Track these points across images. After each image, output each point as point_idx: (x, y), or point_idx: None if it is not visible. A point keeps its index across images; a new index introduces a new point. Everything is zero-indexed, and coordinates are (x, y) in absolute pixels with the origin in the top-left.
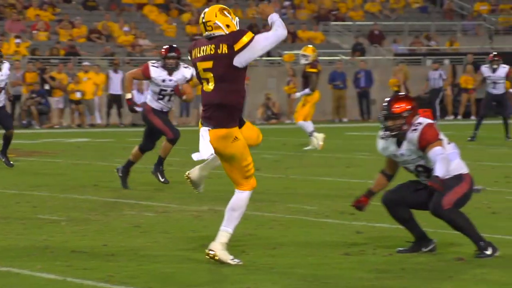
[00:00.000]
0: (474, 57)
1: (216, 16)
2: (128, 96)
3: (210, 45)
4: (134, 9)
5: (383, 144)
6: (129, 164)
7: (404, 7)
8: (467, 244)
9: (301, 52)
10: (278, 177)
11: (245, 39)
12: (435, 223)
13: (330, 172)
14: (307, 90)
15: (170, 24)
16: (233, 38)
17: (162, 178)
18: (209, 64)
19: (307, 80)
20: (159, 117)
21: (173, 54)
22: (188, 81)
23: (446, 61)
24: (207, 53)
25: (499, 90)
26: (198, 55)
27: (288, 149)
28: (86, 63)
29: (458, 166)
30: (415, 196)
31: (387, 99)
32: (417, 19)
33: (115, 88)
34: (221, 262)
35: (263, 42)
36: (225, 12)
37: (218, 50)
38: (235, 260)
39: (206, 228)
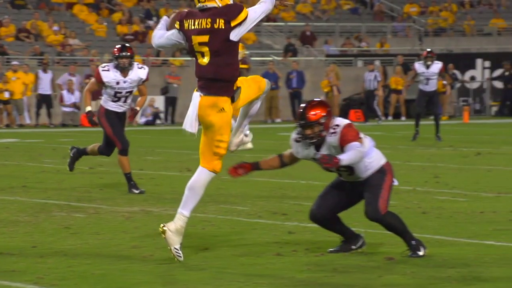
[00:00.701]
0: (404, 58)
1: None
2: (88, 108)
3: (205, 19)
4: (63, 8)
5: (301, 150)
6: (84, 151)
7: (335, 8)
8: (397, 244)
9: None
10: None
11: (242, 15)
12: (365, 223)
13: (263, 172)
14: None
15: (100, 23)
16: (231, 13)
17: (137, 190)
18: (205, 38)
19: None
20: (111, 123)
21: (125, 53)
22: (144, 81)
23: (377, 62)
24: (203, 27)
25: (431, 86)
26: (193, 27)
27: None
28: (15, 62)
29: (377, 157)
30: (339, 202)
31: (302, 106)
32: (348, 20)
33: (45, 88)
34: (167, 243)
35: (253, 15)
36: None
37: (215, 25)
38: (178, 252)
39: (137, 229)
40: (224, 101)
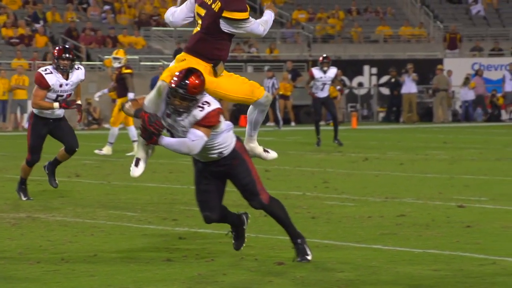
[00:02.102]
0: (293, 64)
1: None
2: (56, 105)
3: None
4: None
5: (162, 105)
6: (55, 161)
7: None
8: (287, 248)
9: (112, 55)
10: (99, 183)
11: (238, 14)
12: (256, 229)
13: (153, 178)
14: (105, 90)
15: None
16: (230, 5)
17: (25, 196)
18: (202, 11)
19: (124, 82)
20: (33, 133)
21: (68, 55)
22: (82, 81)
23: (266, 68)
24: (205, 0)
25: (325, 92)
26: None
27: (110, 154)
28: None
29: (228, 140)
30: (218, 193)
31: (180, 74)
32: None
33: None
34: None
35: (250, 25)
36: None
37: (213, 5)
38: (136, 162)
39: (23, 236)
40: (189, 56)
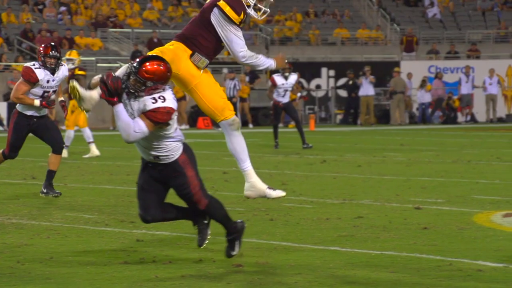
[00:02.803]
0: None
1: None
2: (36, 102)
3: None
4: None
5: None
6: (49, 175)
7: (182, 15)
8: (245, 251)
9: (66, 57)
10: (55, 185)
11: (229, 10)
12: (213, 232)
13: (110, 180)
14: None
15: None
16: None
17: None
18: None
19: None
20: (15, 132)
21: (55, 53)
22: (66, 77)
23: (225, 70)
24: None
25: (287, 98)
26: None
27: (66, 157)
28: None
29: (174, 148)
30: (158, 193)
31: (146, 55)
32: None
33: None
34: None
35: (232, 34)
36: None
37: None
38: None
39: None
40: (177, 43)
